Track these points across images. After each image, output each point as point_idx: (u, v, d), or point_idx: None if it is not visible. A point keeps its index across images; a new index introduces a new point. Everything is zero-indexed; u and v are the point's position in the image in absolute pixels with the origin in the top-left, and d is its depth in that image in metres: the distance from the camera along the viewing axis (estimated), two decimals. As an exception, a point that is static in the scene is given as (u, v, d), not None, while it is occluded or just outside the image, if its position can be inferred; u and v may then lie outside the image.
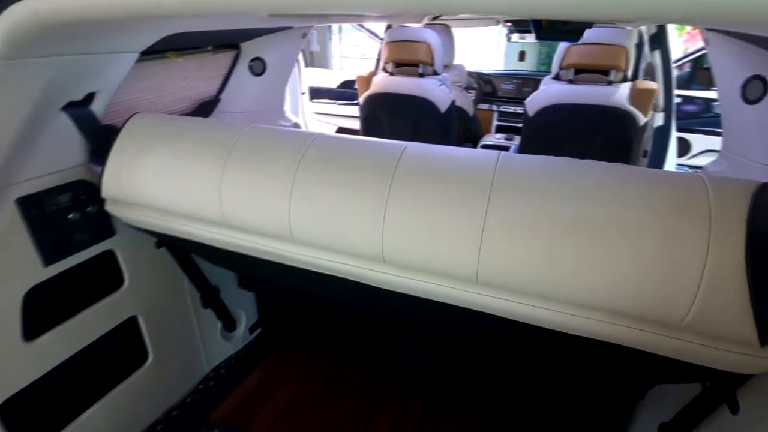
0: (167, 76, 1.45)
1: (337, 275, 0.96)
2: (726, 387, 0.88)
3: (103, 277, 1.25)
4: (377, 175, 0.81)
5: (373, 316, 1.47)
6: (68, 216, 1.11)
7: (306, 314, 1.79)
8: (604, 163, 0.75)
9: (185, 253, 1.45)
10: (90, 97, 1.11)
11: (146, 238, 1.33)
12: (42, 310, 1.11)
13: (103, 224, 1.20)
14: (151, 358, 1.40)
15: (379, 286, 0.93)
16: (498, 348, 1.36)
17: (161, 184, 1.00)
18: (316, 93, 4.03)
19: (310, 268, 0.98)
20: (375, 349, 1.67)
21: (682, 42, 4.80)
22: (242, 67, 1.76)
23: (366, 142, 0.90)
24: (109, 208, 1.16)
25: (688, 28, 4.06)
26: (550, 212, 0.69)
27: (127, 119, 1.09)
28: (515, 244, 0.71)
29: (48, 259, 1.08)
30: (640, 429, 1.28)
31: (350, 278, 0.95)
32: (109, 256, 1.24)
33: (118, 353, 1.34)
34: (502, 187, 0.73)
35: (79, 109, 1.08)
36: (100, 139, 1.15)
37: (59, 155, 1.08)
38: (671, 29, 2.40)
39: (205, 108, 1.70)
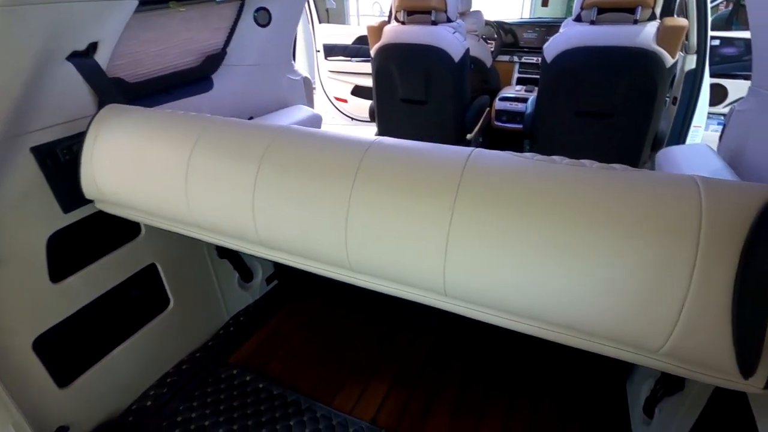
0: (171, 27, 1.45)
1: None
2: None
3: (121, 226, 1.31)
4: (339, 178, 0.76)
5: None
6: (81, 165, 1.15)
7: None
8: (587, 167, 0.67)
9: None
10: (93, 48, 1.12)
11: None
12: (66, 255, 1.18)
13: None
14: (172, 304, 1.49)
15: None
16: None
17: (130, 184, 0.99)
18: (331, 50, 3.95)
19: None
20: (385, 301, 1.71)
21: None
22: (247, 17, 1.73)
23: (329, 139, 0.85)
24: (98, 206, 1.17)
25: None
26: (519, 227, 0.63)
27: (95, 114, 1.07)
28: (480, 261, 0.66)
29: (66, 206, 1.13)
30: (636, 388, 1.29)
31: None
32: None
33: (142, 298, 1.42)
34: (467, 197, 0.67)
35: (83, 60, 1.10)
36: (109, 90, 1.18)
37: (69, 105, 1.11)
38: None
39: (212, 61, 1.69)
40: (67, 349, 1.22)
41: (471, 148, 0.75)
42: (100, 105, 1.20)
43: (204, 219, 0.93)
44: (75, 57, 1.08)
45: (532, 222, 0.63)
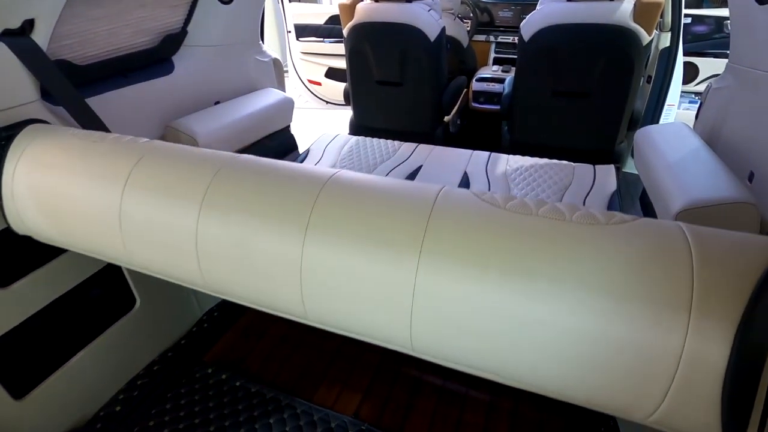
0: (122, 3, 1.32)
1: None
2: None
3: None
4: (291, 221, 0.68)
5: None
6: (26, 158, 1.05)
7: None
8: (566, 221, 0.60)
9: None
10: (30, 26, 1.01)
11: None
12: (14, 257, 1.08)
13: (67, 167, 1.15)
14: (138, 302, 1.40)
15: None
16: None
17: (58, 222, 0.88)
18: (303, 31, 3.80)
19: None
20: None
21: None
22: (208, -7, 1.61)
23: (281, 173, 0.75)
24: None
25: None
26: (491, 286, 0.57)
27: (17, 133, 0.93)
28: (449, 320, 0.60)
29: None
30: None
31: None
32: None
33: (105, 299, 1.33)
34: (434, 250, 0.60)
35: (18, 39, 0.99)
36: (51, 74, 1.07)
37: (4, 91, 1.00)
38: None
39: (171, 42, 1.58)
40: (22, 358, 1.13)
41: (437, 189, 0.67)
42: (43, 91, 1.09)
43: (145, 263, 0.83)
44: (7, 36, 0.96)
45: (505, 282, 0.57)
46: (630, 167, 2.67)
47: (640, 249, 0.54)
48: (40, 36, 1.03)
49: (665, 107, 2.51)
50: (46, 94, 1.11)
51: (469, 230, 0.60)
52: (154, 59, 1.55)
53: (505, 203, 0.64)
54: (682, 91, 2.66)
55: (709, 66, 3.08)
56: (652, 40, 2.03)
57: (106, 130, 1.19)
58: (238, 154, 0.81)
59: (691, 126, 1.41)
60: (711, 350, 0.49)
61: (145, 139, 0.90)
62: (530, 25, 2.02)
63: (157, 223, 0.77)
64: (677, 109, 2.58)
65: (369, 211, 0.65)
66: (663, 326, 0.50)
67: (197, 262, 0.75)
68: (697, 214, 0.99)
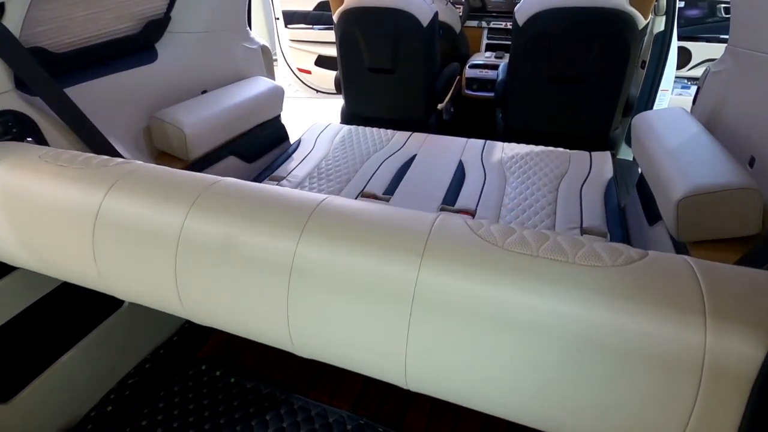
0: (100, -13, 1.26)
1: None
2: None
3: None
4: (277, 249, 0.64)
5: None
6: (1, 151, 0.99)
7: None
8: (569, 262, 0.56)
9: None
10: (0, 10, 0.95)
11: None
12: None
13: (46, 160, 1.09)
14: (127, 302, 1.36)
15: None
16: None
17: (30, 251, 0.83)
18: (291, 17, 3.71)
19: None
20: None
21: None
22: (191, -23, 1.54)
23: (268, 197, 0.71)
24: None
25: None
26: (487, 332, 0.54)
27: None
28: (445, 363, 0.57)
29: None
30: None
31: None
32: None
33: (92, 296, 1.29)
34: (427, 288, 0.56)
35: (-13, 24, 0.93)
36: (25, 62, 1.01)
37: None
38: None
39: (154, 28, 1.51)
40: (7, 360, 1.09)
41: (430, 222, 0.63)
42: (17, 80, 1.03)
43: (123, 292, 0.79)
44: (-24, 21, 0.90)
45: (504, 329, 0.53)
46: (624, 153, 2.66)
47: (649, 297, 0.51)
48: (12, 21, 0.97)
49: (659, 92, 2.49)
50: (21, 84, 1.06)
51: (465, 273, 0.56)
52: (137, 46, 1.48)
53: (504, 239, 0.59)
54: (675, 77, 2.65)
55: (702, 51, 3.07)
56: (648, 24, 2.00)
57: (86, 121, 1.14)
58: (219, 178, 0.77)
59: (688, 111, 1.39)
60: (719, 419, 0.46)
61: (118, 160, 0.84)
62: (525, 8, 1.97)
63: (133, 255, 0.72)
64: (670, 95, 2.57)
65: (358, 247, 0.61)
66: (671, 389, 0.48)
67: (177, 293, 0.71)
68: (699, 200, 0.97)
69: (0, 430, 1.07)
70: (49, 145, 1.09)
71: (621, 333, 0.50)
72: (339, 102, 2.70)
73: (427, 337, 0.57)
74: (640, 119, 1.40)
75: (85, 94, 1.25)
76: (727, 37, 1.28)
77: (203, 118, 1.53)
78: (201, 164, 1.58)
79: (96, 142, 1.17)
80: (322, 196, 0.71)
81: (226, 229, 0.67)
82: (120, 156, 1.24)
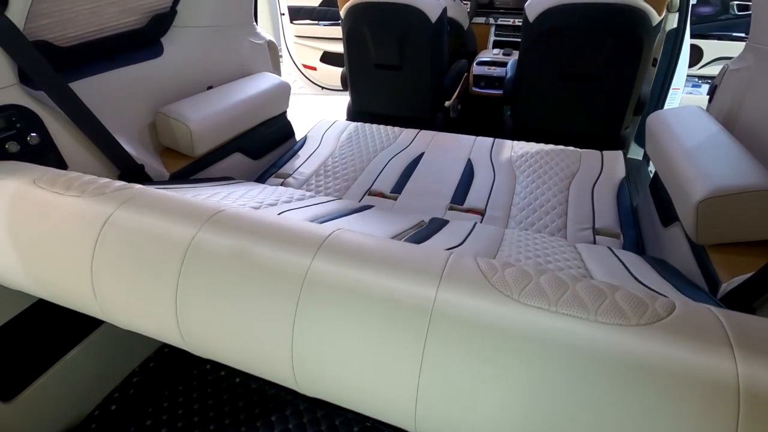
0: (105, -21, 1.24)
1: None
2: None
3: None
4: (282, 282, 0.61)
5: None
6: (5, 146, 0.97)
7: None
8: (592, 302, 0.53)
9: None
10: (3, 2, 0.93)
11: (106, 171, 1.21)
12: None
13: (51, 155, 1.07)
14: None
15: None
16: None
17: (30, 275, 0.80)
18: (297, 13, 3.68)
19: None
20: None
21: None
22: (198, -30, 1.52)
23: (273, 229, 0.69)
24: None
25: None
26: (501, 390, 0.51)
27: None
28: (459, 414, 0.54)
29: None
30: None
31: None
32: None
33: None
34: (438, 339, 0.53)
35: (-9, 16, 0.91)
36: (29, 55, 0.99)
37: None
38: None
39: (160, 22, 1.49)
40: (9, 359, 1.07)
41: (441, 264, 0.61)
42: (21, 74, 1.01)
43: (124, 323, 0.77)
44: (-21, 13, 0.88)
45: (517, 385, 0.50)
46: (633, 153, 2.62)
47: (679, 362, 0.47)
48: (16, 14, 0.95)
49: (670, 91, 2.45)
50: (26, 78, 1.03)
51: (477, 326, 0.53)
52: (142, 41, 1.46)
53: (519, 289, 0.55)
54: (687, 74, 2.60)
55: (714, 48, 3.01)
56: (661, 21, 1.96)
57: (91, 117, 1.12)
58: (221, 207, 0.74)
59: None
60: None
61: (115, 186, 0.81)
62: (536, 4, 1.94)
63: (132, 289, 0.70)
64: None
65: (364, 302, 0.58)
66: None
67: (178, 327, 0.69)
68: (720, 202, 0.94)
69: (3, 429, 1.06)
70: (53, 140, 1.07)
71: (642, 405, 0.46)
72: (344, 99, 2.68)
73: (437, 391, 0.54)
74: (655, 118, 1.36)
75: (89, 89, 1.23)
76: (740, 35, 1.25)
77: (209, 115, 1.50)
78: (206, 161, 1.56)
79: (101, 138, 1.15)
80: (330, 229, 0.68)
81: (228, 264, 0.65)
82: (125, 153, 1.22)
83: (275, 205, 1.21)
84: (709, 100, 1.45)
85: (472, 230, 1.19)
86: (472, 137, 1.94)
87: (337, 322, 0.58)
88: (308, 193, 1.40)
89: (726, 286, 0.89)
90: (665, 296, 0.56)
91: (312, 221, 1.11)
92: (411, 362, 0.54)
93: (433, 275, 0.58)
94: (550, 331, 0.51)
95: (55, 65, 1.03)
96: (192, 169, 1.51)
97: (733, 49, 1.25)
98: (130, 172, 1.25)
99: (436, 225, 1.20)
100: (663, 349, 0.48)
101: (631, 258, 1.05)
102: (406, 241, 1.03)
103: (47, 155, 1.06)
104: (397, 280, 0.58)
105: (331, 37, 3.59)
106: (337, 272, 0.60)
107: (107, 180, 0.83)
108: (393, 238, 1.06)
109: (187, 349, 0.73)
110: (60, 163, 1.09)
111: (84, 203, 0.77)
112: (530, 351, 0.51)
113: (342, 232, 0.67)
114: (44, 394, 1.13)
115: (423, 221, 1.26)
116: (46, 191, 0.80)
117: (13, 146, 0.98)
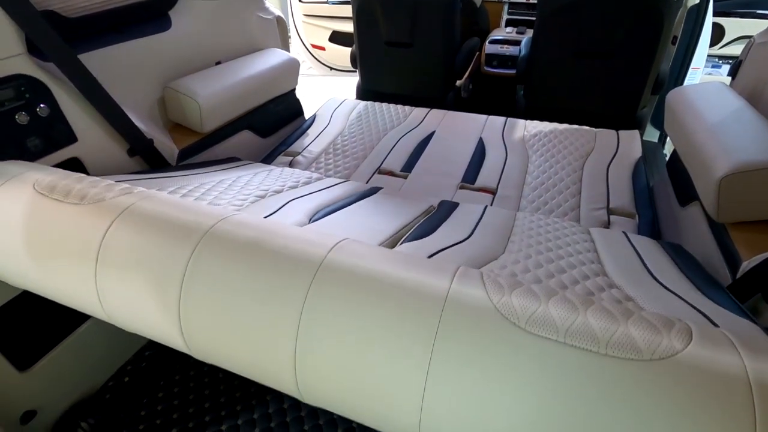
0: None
1: None
2: None
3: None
4: (286, 293, 0.60)
5: None
6: (15, 117, 0.97)
7: None
8: (602, 334, 0.51)
9: (162, 161, 1.33)
10: (10, -32, 0.91)
11: (116, 145, 1.20)
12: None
13: (61, 128, 1.07)
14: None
15: None
16: None
17: (35, 279, 0.79)
18: (305, -9, 3.60)
19: None
20: None
21: None
22: (205, -59, 1.48)
23: (279, 237, 0.67)
24: None
25: None
26: (500, 416, 0.49)
27: None
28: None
29: None
30: None
31: None
32: (75, 166, 1.13)
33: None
34: (443, 363, 0.52)
35: (-2, -17, 0.89)
36: (37, 25, 0.97)
37: None
38: None
39: (166, -5, 1.46)
40: (25, 329, 1.09)
41: (451, 276, 0.59)
42: (29, 43, 0.99)
43: (127, 326, 0.77)
44: (-15, -21, 0.87)
45: (520, 414, 0.49)
46: (649, 135, 2.56)
47: (693, 401, 0.45)
48: (23, -20, 0.93)
49: (689, 70, 2.38)
50: (34, 49, 1.02)
51: (481, 353, 0.52)
52: (150, 14, 1.44)
53: (526, 317, 0.53)
54: (708, 54, 2.52)
55: (737, 27, 2.91)
56: (683, -4, 1.89)
57: (101, 89, 1.11)
58: (226, 215, 0.73)
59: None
60: None
61: (116, 189, 0.80)
62: (553, -22, 1.87)
63: (136, 297, 0.70)
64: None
65: (370, 310, 0.57)
66: None
67: (181, 335, 0.68)
68: (743, 178, 0.91)
69: (18, 398, 1.08)
70: (62, 113, 1.06)
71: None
72: (354, 80, 2.64)
73: (442, 411, 0.53)
74: (676, 94, 1.32)
75: (99, 61, 1.21)
76: (766, 12, 1.19)
77: (218, 90, 1.49)
78: (214, 138, 1.55)
79: (110, 112, 1.14)
80: (333, 240, 0.66)
81: (232, 274, 0.65)
82: (135, 127, 1.21)
83: (281, 192, 1.19)
84: (732, 77, 1.40)
85: (481, 217, 1.16)
86: (484, 116, 1.90)
87: (339, 344, 0.57)
88: (315, 176, 1.38)
89: (747, 265, 0.87)
90: (684, 302, 0.52)
91: (317, 211, 1.10)
92: (415, 384, 0.53)
93: (437, 299, 0.56)
94: (559, 365, 0.49)
95: (63, 36, 1.02)
96: (201, 145, 1.50)
97: (758, 27, 1.19)
98: (140, 146, 1.24)
99: (445, 210, 1.17)
100: (676, 388, 0.46)
101: (647, 246, 1.02)
102: (413, 232, 1.01)
103: (57, 127, 1.06)
104: (400, 305, 0.57)
105: (341, 15, 3.52)
106: (337, 293, 0.59)
107: (109, 182, 0.82)
108: (401, 229, 1.05)
109: (192, 355, 0.73)
110: (70, 136, 1.09)
111: (85, 212, 0.76)
112: (537, 382, 0.49)
113: (341, 249, 0.65)
114: (58, 365, 1.15)
115: (432, 206, 1.24)
116: (46, 198, 0.79)
117: (22, 117, 0.98)
